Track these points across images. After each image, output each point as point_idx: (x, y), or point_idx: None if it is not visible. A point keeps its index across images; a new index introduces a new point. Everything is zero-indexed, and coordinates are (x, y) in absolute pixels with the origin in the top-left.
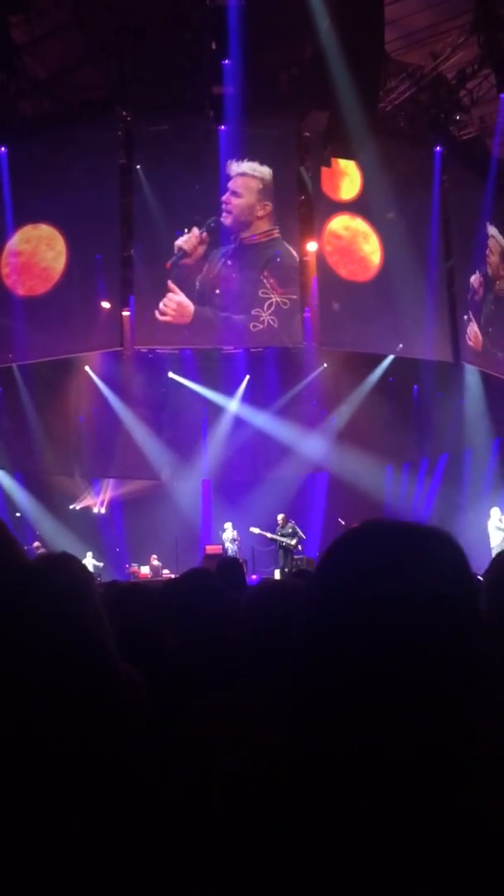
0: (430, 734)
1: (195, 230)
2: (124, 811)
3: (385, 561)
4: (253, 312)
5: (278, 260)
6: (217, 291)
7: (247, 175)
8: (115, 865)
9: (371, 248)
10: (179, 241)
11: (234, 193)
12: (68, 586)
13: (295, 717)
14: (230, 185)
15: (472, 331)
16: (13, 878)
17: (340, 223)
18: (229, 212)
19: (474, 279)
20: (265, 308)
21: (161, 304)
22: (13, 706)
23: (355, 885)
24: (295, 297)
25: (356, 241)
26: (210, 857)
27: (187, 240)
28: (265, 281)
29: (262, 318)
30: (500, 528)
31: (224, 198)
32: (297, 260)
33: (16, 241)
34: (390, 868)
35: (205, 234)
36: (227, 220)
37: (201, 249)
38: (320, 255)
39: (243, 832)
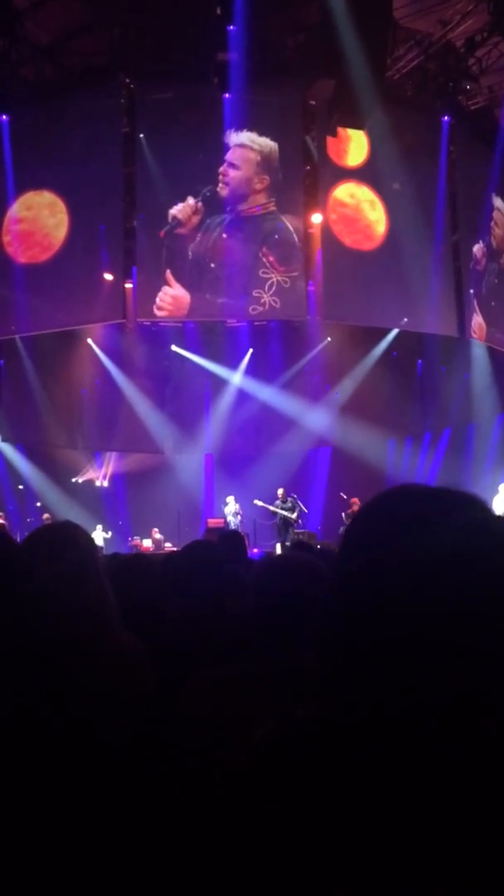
0: (473, 700)
1: (190, 199)
2: (128, 784)
3: (414, 520)
4: (254, 294)
5: (276, 236)
6: (212, 265)
7: (245, 146)
8: (120, 840)
9: (376, 217)
10: (174, 210)
11: (232, 165)
12: (72, 558)
13: (324, 684)
14: (228, 156)
15: (477, 322)
16: (18, 847)
17: (346, 191)
18: (226, 184)
19: (477, 248)
20: (266, 289)
21: (157, 299)
22: (16, 683)
23: (394, 861)
24: (296, 273)
25: (361, 209)
26: (233, 830)
27: (182, 209)
28: (264, 259)
29: (262, 300)
30: None
31: (221, 169)
32: (296, 235)
33: (17, 208)
34: (428, 842)
35: (200, 203)
36: (223, 191)
37: (196, 219)
38: (325, 224)
39: (274, 802)
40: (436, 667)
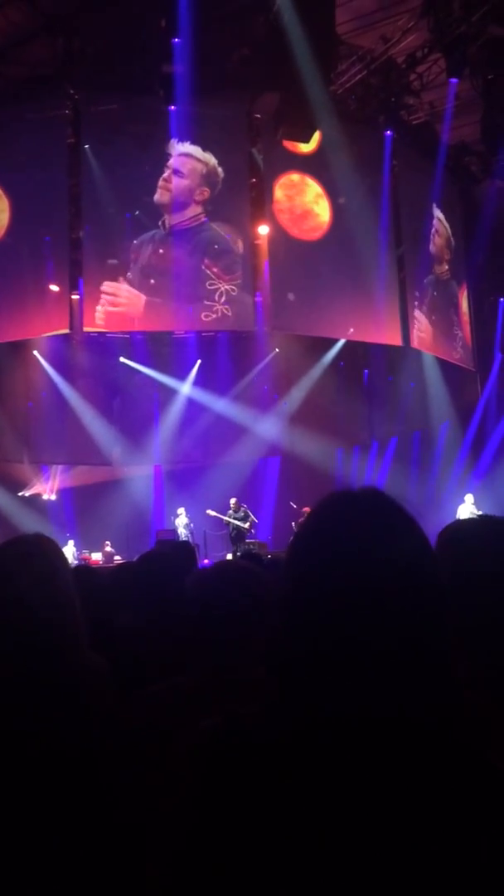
0: (407, 696)
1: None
2: (91, 797)
3: (349, 531)
4: (205, 302)
5: (217, 247)
6: (152, 281)
7: (192, 157)
8: (83, 851)
9: (321, 210)
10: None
11: (178, 173)
12: (40, 572)
13: (271, 682)
14: (173, 163)
15: (421, 335)
16: None
17: (293, 181)
18: (168, 189)
19: (427, 281)
20: (217, 298)
21: (110, 297)
22: None
23: (337, 848)
24: (239, 281)
25: (307, 201)
26: (188, 822)
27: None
28: (208, 271)
29: (214, 308)
30: (474, 515)
31: (166, 175)
32: (240, 245)
33: None
34: (371, 831)
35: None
36: (163, 197)
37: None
38: (271, 214)
39: (222, 794)
40: (376, 663)
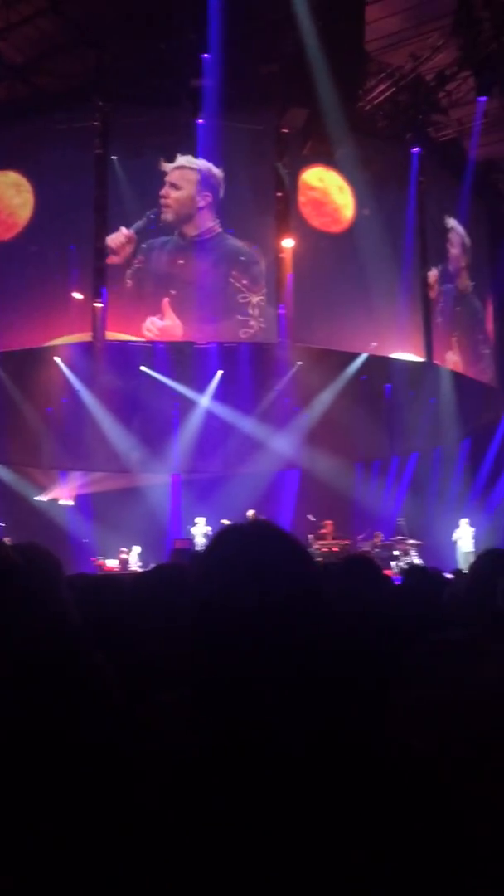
0: (291, 715)
1: (122, 229)
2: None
3: (238, 561)
4: (238, 317)
5: (242, 258)
6: (172, 292)
7: (184, 168)
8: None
9: (344, 202)
10: (108, 240)
11: (173, 186)
12: (34, 577)
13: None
14: (168, 178)
15: (452, 359)
16: None
17: (315, 174)
18: (168, 206)
19: (431, 275)
20: (251, 312)
21: (144, 328)
22: None
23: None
24: (265, 291)
25: (330, 193)
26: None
27: (115, 238)
28: (237, 283)
29: (251, 324)
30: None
31: (163, 192)
32: (265, 259)
33: None
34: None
35: (132, 233)
36: (168, 215)
37: (129, 248)
38: (295, 210)
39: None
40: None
